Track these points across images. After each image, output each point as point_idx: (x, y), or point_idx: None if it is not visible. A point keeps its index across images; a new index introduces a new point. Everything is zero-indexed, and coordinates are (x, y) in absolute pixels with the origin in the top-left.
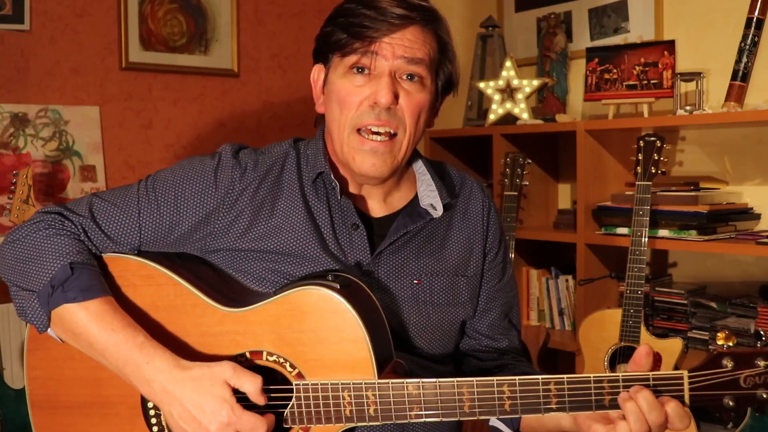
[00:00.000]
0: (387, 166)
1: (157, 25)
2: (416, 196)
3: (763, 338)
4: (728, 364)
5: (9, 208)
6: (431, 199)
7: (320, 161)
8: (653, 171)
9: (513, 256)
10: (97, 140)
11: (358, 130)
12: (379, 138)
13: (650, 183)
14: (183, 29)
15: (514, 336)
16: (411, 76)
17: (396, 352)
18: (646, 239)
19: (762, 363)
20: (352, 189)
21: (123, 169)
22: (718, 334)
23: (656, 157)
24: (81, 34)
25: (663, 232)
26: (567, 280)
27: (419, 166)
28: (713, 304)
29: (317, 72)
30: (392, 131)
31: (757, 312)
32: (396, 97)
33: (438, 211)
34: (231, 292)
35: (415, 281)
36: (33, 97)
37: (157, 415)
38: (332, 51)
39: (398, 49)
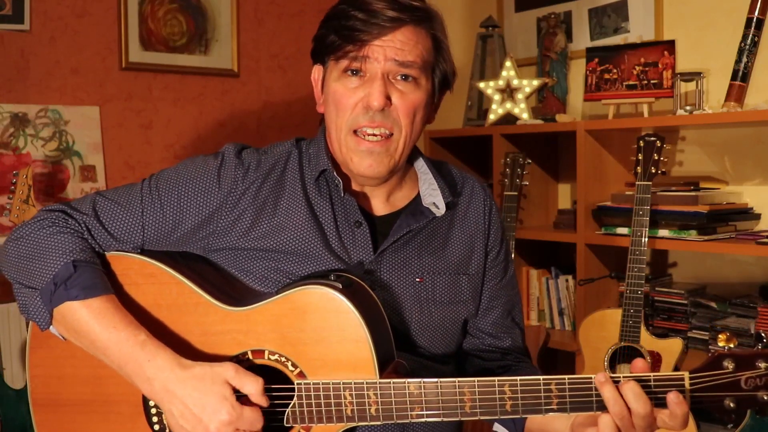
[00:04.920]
0: (384, 166)
1: (157, 25)
2: (418, 195)
3: (764, 340)
4: (729, 365)
5: (9, 208)
6: (433, 197)
7: (323, 159)
8: (653, 171)
9: (513, 256)
10: (97, 140)
11: (355, 132)
12: (375, 138)
13: (650, 183)
14: (183, 29)
15: (517, 335)
16: (405, 77)
17: (398, 351)
18: (646, 239)
19: (763, 365)
20: (355, 187)
21: (123, 169)
22: (720, 336)
23: (656, 157)
24: (81, 34)
25: (663, 232)
26: (567, 280)
27: (421, 165)
28: (713, 304)
29: (317, 72)
30: (387, 132)
31: (757, 312)
32: (389, 98)
33: (440, 210)
34: (233, 291)
35: (417, 279)
36: (33, 97)
37: (159, 414)
38: (327, 54)
39: (389, 51)
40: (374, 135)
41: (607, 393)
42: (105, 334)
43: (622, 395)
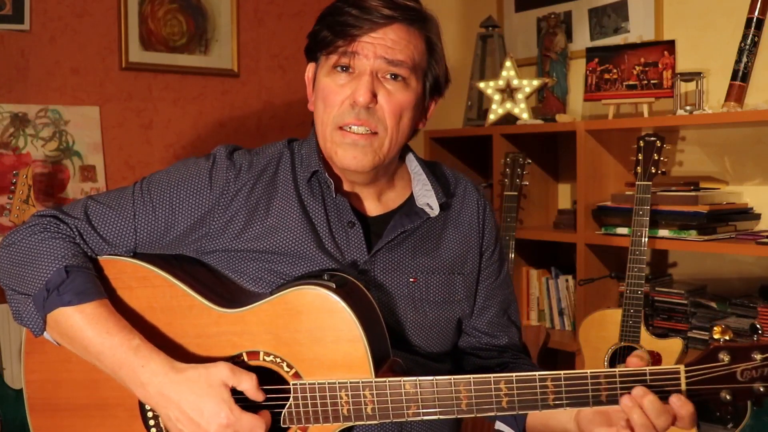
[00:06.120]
0: (368, 159)
1: (157, 25)
2: (412, 195)
3: (760, 332)
4: (725, 357)
5: (9, 208)
6: (427, 198)
7: (314, 160)
8: (653, 171)
9: (513, 256)
10: (97, 140)
11: (341, 128)
12: (360, 131)
13: (650, 183)
14: (183, 29)
15: (514, 333)
16: (394, 76)
17: (393, 350)
18: (646, 239)
19: (758, 356)
20: (347, 188)
21: (123, 169)
22: (714, 329)
23: (656, 157)
24: (81, 34)
25: (663, 232)
26: (567, 280)
27: (414, 166)
28: (713, 304)
29: (310, 70)
30: (371, 130)
31: (757, 312)
32: (375, 96)
33: (435, 211)
34: (227, 293)
35: (411, 279)
36: (33, 97)
37: (155, 417)
38: (319, 49)
39: (379, 48)
40: (359, 131)
41: (636, 418)
42: (98, 339)
43: (642, 408)
